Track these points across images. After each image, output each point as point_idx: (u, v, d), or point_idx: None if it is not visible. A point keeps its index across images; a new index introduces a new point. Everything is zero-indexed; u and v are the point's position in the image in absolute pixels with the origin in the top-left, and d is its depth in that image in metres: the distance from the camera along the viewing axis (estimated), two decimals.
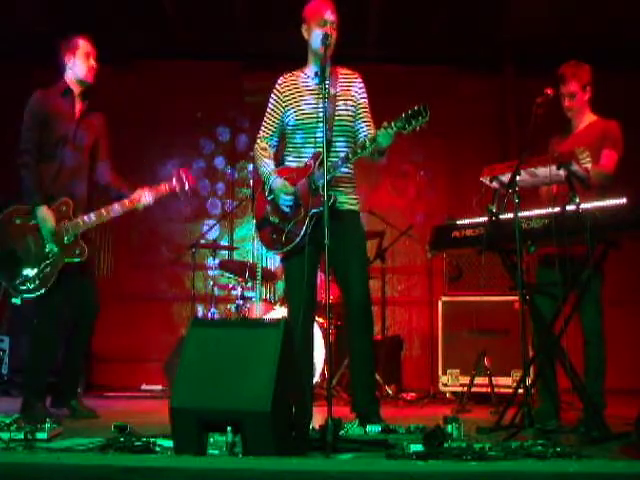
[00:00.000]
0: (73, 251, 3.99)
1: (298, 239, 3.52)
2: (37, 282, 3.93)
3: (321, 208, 3.35)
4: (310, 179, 3.53)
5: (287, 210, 3.59)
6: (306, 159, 3.63)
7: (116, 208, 4.07)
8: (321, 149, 3.30)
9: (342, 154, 3.55)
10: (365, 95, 3.74)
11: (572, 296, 3.51)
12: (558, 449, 2.48)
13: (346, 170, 3.63)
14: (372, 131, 3.62)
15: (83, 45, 4.17)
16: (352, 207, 3.65)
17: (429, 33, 6.61)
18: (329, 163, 3.41)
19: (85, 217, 4.02)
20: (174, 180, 4.21)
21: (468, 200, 3.78)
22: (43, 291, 3.92)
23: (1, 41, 6.53)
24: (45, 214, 3.95)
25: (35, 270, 3.94)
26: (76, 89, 4.19)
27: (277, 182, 3.60)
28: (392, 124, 3.30)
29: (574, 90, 3.80)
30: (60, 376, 4.21)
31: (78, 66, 4.16)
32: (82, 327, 4.18)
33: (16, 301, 4.04)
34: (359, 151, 3.42)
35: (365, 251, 3.72)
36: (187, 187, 4.20)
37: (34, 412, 3.82)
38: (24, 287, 3.93)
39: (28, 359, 4.18)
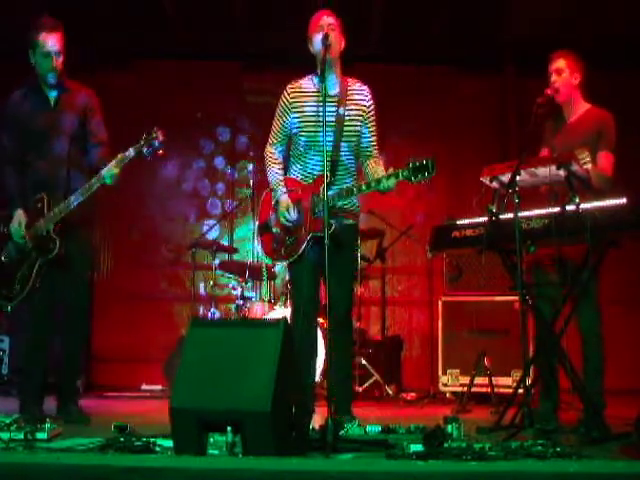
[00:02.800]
0: (46, 247, 3.82)
1: (296, 256, 3.63)
2: (18, 287, 3.87)
3: (320, 234, 3.39)
4: (314, 202, 3.59)
5: (289, 225, 3.66)
6: (311, 172, 3.69)
7: (86, 187, 3.78)
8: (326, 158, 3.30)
9: (348, 166, 3.70)
10: (373, 106, 3.79)
11: (569, 296, 3.51)
12: (558, 449, 2.48)
13: (347, 172, 3.73)
14: (374, 142, 3.78)
15: (42, 43, 3.82)
16: (351, 222, 3.74)
17: (430, 33, 6.61)
18: (339, 184, 3.61)
19: (60, 205, 3.81)
20: (142, 141, 3.89)
21: (468, 200, 3.78)
22: (25, 294, 3.85)
23: (1, 41, 6.52)
24: (17, 215, 3.85)
25: (16, 275, 3.87)
26: (45, 85, 3.93)
27: (283, 199, 3.67)
28: (399, 173, 3.39)
29: (561, 66, 3.77)
30: (58, 378, 4.12)
31: (39, 66, 3.88)
32: (67, 326, 4.03)
33: (8, 309, 3.91)
34: (364, 188, 3.53)
35: (355, 268, 3.97)
36: (157, 145, 3.91)
37: (30, 415, 3.73)
38: (10, 295, 3.88)
39: (23, 361, 4.10)
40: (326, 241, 3.07)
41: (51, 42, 3.83)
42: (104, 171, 3.76)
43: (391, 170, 3.44)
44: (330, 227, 3.36)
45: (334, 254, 3.39)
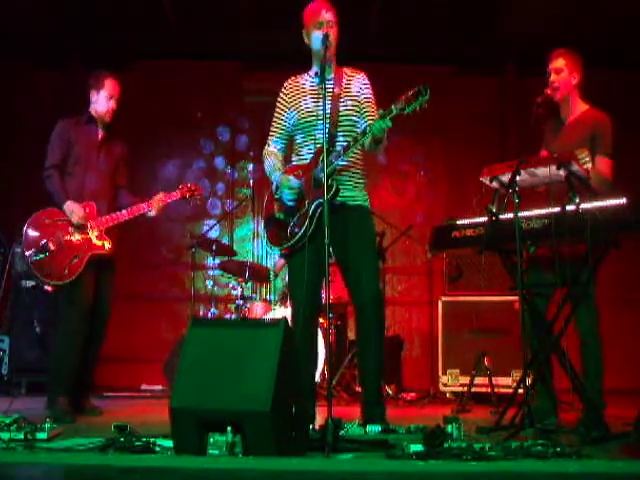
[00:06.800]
0: (99, 244, 4.26)
1: (302, 231, 3.51)
2: (67, 272, 4.12)
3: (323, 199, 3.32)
4: (313, 173, 3.55)
5: (291, 204, 3.61)
6: (304, 158, 3.65)
7: (131, 210, 4.40)
8: (321, 145, 3.31)
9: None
10: (369, 90, 3.73)
11: (564, 296, 3.50)
12: (558, 449, 2.48)
13: (352, 162, 3.63)
14: None
15: (108, 86, 4.42)
16: (360, 202, 3.64)
17: (429, 32, 6.61)
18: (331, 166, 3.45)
19: (107, 216, 4.32)
20: (185, 188, 4.71)
21: (468, 200, 3.78)
22: (71, 279, 4.12)
23: (1, 41, 6.52)
24: (73, 206, 4.18)
25: (67, 261, 4.13)
26: (98, 119, 4.46)
27: (281, 177, 3.64)
28: (392, 107, 3.30)
29: (560, 66, 3.76)
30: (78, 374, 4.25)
31: (99, 104, 4.43)
32: (97, 324, 4.35)
33: (47, 287, 4.28)
34: (359, 138, 3.43)
35: (373, 246, 3.72)
36: (196, 195, 4.76)
37: (56, 407, 3.91)
38: (55, 275, 4.10)
39: (53, 353, 4.30)
40: (326, 240, 3.05)
41: (115, 88, 4.46)
42: (152, 204, 4.44)
43: (380, 111, 3.34)
44: (330, 190, 3.34)
45: (344, 229, 3.37)
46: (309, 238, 3.46)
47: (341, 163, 3.54)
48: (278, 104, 3.78)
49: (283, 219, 3.64)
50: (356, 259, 3.54)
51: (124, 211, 4.37)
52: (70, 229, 4.19)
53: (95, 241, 4.24)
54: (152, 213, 4.46)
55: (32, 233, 4.16)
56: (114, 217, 4.33)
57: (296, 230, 3.54)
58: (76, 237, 4.19)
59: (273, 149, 3.78)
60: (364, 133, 3.42)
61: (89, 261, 4.18)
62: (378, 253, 5.69)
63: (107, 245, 4.28)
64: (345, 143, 3.57)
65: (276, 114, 3.79)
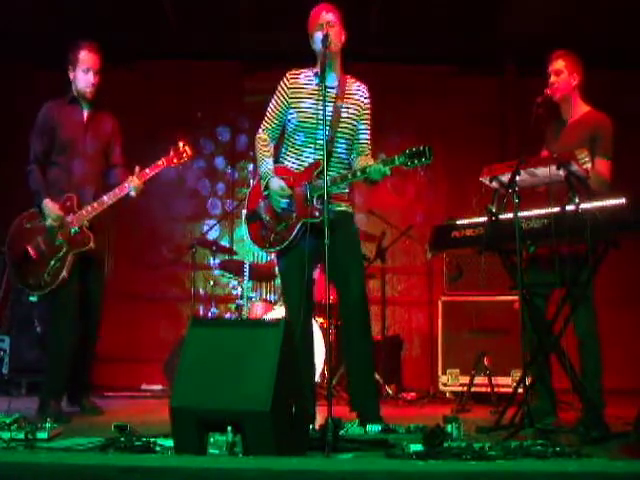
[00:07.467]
0: (80, 241, 4.08)
1: (286, 243, 3.57)
2: (48, 278, 4.02)
3: (314, 219, 3.43)
4: (307, 188, 3.55)
5: (280, 212, 3.62)
6: (305, 161, 3.65)
7: (112, 194, 4.15)
8: (321, 153, 3.32)
9: (342, 158, 3.65)
10: (369, 104, 3.78)
11: (563, 296, 3.50)
12: (558, 449, 2.48)
13: (338, 171, 3.66)
14: (368, 137, 3.76)
15: (83, 59, 4.19)
16: (344, 208, 3.68)
17: (429, 32, 6.61)
18: (331, 173, 3.49)
19: (88, 207, 4.11)
20: (172, 153, 4.32)
21: (468, 200, 3.78)
22: (55, 286, 4.01)
23: (1, 41, 6.52)
24: (50, 205, 4.05)
25: (47, 267, 4.03)
26: (81, 98, 4.27)
27: (275, 183, 3.62)
28: (395, 158, 3.36)
29: (559, 67, 3.78)
30: (74, 373, 4.24)
31: (78, 80, 4.22)
32: (89, 325, 4.28)
33: (32, 298, 4.12)
34: (359, 174, 3.50)
35: (359, 249, 3.77)
36: (185, 159, 4.37)
37: (47, 411, 3.88)
38: (38, 285, 4.03)
39: (48, 357, 4.23)
40: (326, 241, 3.06)
41: (92, 60, 4.19)
42: (129, 183, 4.14)
43: (383, 157, 3.41)
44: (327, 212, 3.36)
45: (331, 238, 3.40)
46: (300, 240, 3.51)
47: (333, 190, 3.56)
48: (278, 95, 3.73)
49: (268, 221, 3.66)
50: (345, 261, 3.55)
51: (104, 197, 4.12)
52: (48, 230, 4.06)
53: (76, 239, 4.05)
54: (133, 192, 4.15)
55: (14, 241, 4.11)
56: (94, 206, 4.09)
57: (281, 239, 3.59)
58: (56, 238, 4.04)
59: (267, 138, 3.76)
60: (363, 171, 3.47)
61: (72, 261, 4.04)
62: (377, 256, 5.80)
63: (89, 241, 4.06)
64: (344, 151, 3.66)
65: (275, 104, 3.75)
